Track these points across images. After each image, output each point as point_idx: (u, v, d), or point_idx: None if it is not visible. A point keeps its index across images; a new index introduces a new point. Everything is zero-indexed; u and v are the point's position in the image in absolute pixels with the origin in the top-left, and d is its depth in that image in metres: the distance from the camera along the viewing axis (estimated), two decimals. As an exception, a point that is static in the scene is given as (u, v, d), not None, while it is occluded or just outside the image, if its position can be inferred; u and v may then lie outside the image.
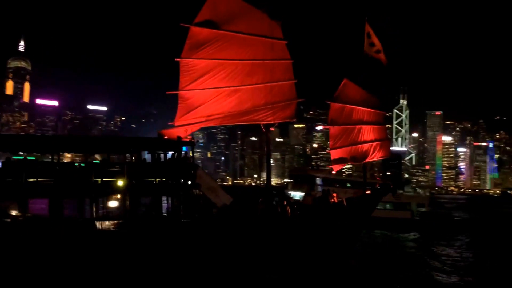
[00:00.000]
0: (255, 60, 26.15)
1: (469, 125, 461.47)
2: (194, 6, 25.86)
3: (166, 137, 25.33)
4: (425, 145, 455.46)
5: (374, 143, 28.68)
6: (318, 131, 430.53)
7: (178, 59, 24.91)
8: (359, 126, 28.32)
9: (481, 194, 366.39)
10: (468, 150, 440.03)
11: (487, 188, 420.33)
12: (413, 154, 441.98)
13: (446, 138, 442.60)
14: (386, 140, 29.44)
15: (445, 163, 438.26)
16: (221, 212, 24.30)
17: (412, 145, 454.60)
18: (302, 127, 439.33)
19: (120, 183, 22.03)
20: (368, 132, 28.62)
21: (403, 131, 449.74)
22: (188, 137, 25.35)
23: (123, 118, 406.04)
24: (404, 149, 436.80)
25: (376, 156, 28.99)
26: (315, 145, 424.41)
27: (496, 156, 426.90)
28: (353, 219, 25.32)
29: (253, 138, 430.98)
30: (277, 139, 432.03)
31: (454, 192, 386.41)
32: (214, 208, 24.75)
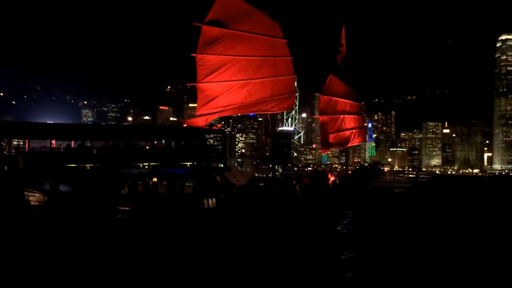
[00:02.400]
0: (260, 56, 30.01)
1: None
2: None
3: (190, 125, 28.95)
4: (313, 125, 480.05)
5: (354, 130, 34.43)
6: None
7: (193, 54, 28.15)
8: (343, 116, 34.02)
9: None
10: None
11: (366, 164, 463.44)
12: (301, 133, 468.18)
13: None
14: (363, 127, 35.54)
15: None
16: (240, 191, 28.16)
17: (301, 125, 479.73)
18: (196, 106, 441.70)
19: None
20: (349, 121, 34.24)
21: (293, 112, 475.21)
22: (218, 125, 28.87)
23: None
24: (292, 128, 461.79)
25: (356, 141, 34.95)
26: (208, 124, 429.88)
27: (374, 135, 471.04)
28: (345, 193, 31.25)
29: (146, 117, 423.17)
30: (171, 118, 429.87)
31: (338, 170, 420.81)
32: (233, 188, 28.45)
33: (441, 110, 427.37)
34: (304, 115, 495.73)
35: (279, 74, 30.83)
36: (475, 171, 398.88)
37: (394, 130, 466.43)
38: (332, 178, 30.72)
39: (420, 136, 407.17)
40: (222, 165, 28.00)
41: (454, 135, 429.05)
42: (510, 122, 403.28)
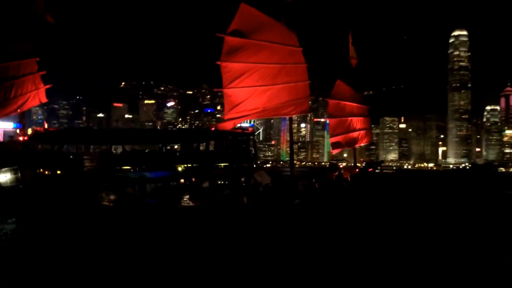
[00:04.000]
0: (278, 64, 32.89)
1: (310, 102, 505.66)
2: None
3: (220, 129, 32.19)
4: (272, 121, 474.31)
5: (362, 131, 37.90)
6: (169, 108, 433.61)
7: (218, 62, 30.95)
8: (351, 118, 37.50)
9: (319, 166, 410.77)
10: (308, 126, 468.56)
11: (325, 160, 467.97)
12: (260, 130, 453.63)
13: None
14: (369, 128, 39.28)
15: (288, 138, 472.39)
16: (266, 190, 30.98)
17: (260, 121, 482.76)
18: (152, 103, 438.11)
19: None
20: (357, 123, 37.64)
21: None
22: (250, 128, 31.88)
23: None
24: (252, 125, 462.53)
25: (363, 141, 38.53)
26: (165, 121, 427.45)
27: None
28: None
29: (100, 115, 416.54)
30: (126, 116, 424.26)
31: (297, 166, 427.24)
32: (260, 187, 31.35)
33: (397, 105, 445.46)
34: None
35: (296, 80, 33.69)
36: (430, 165, 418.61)
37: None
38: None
39: (378, 131, 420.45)
40: (254, 165, 30.91)
41: (410, 129, 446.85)
42: (463, 116, 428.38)
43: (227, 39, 30.95)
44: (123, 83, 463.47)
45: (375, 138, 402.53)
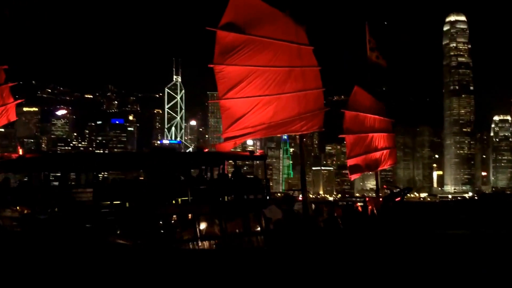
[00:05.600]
0: (285, 67, 35.69)
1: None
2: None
3: (218, 151, 35.18)
4: (207, 136, 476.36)
5: (385, 151, 41.62)
6: (60, 117, 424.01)
7: (211, 65, 33.16)
8: (372, 134, 41.16)
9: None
10: (258, 143, 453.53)
11: (280, 190, 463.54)
12: (190, 148, 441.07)
13: None
14: (394, 148, 43.24)
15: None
16: (278, 226, 33.20)
17: (190, 137, 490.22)
18: (35, 111, 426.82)
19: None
20: (379, 140, 41.20)
21: (178, 118, 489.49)
22: (259, 151, 34.85)
23: None
24: (177, 141, 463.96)
25: (387, 164, 42.25)
26: (53, 137, 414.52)
27: (291, 150, 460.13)
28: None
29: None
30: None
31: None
32: (270, 223, 33.54)
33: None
34: (193, 122, 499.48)
35: (308, 88, 36.60)
36: (423, 195, 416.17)
37: (317, 142, 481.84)
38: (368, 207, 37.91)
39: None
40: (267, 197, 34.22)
41: None
42: (464, 130, 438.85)
43: (220, 34, 33.22)
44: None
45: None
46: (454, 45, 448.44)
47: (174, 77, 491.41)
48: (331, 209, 36.81)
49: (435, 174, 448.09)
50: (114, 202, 30.08)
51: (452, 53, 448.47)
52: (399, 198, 40.26)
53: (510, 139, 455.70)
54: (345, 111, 40.87)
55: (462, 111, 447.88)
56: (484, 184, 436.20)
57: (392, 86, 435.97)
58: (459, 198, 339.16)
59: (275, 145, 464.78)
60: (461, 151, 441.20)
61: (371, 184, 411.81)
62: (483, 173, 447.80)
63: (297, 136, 39.24)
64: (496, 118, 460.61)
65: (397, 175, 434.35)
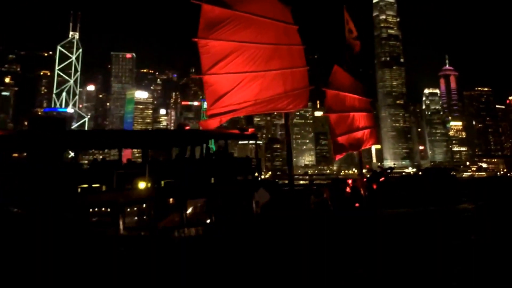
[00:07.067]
0: (271, 44, 35.66)
1: (175, 75, 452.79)
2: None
3: (203, 129, 33.88)
4: (108, 104, 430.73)
5: (366, 131, 41.71)
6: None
7: (195, 39, 32.45)
8: (353, 113, 41.13)
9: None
10: (173, 112, 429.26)
11: None
12: (86, 119, 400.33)
13: (141, 94, 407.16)
14: (375, 127, 43.43)
15: (140, 127, 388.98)
16: (265, 210, 32.39)
17: (86, 104, 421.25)
18: None
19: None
20: (359, 120, 41.24)
21: (72, 81, 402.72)
22: (250, 130, 34.49)
23: None
24: (71, 110, 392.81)
25: (369, 143, 42.51)
26: None
27: None
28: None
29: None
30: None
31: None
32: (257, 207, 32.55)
33: (311, 84, 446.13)
34: (91, 87, 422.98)
35: (292, 65, 36.86)
36: (363, 171, 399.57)
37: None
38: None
39: (282, 121, 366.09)
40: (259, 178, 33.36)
41: None
42: (398, 102, 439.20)
43: (205, 8, 32.71)
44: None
45: (280, 133, 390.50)
46: (384, 17, 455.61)
47: (71, 33, 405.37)
48: (318, 191, 36.77)
49: (373, 148, 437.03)
50: None
51: (382, 25, 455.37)
52: (382, 178, 40.62)
53: (441, 113, 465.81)
54: (326, 89, 40.71)
55: (394, 83, 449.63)
56: (422, 159, 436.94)
57: (323, 54, 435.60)
58: (403, 174, 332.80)
59: (193, 115, 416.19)
60: (397, 124, 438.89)
61: (307, 159, 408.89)
62: (421, 147, 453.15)
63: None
64: (426, 91, 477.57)
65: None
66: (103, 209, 28.50)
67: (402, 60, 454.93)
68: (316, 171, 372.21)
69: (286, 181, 42.96)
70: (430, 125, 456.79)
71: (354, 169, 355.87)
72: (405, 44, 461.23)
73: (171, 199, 30.39)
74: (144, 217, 29.53)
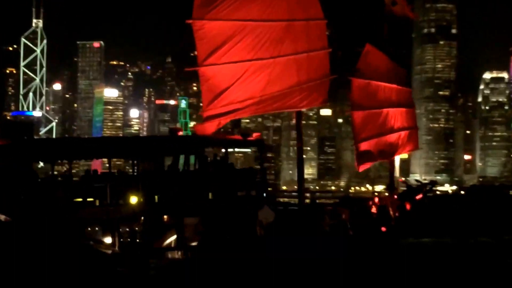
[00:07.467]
0: (281, 20, 29.38)
1: (149, 67, 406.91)
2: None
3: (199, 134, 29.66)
4: (75, 105, 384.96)
5: (403, 132, 34.63)
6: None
7: (189, 21, 27.23)
8: (387, 109, 33.76)
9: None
10: (146, 114, 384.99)
11: None
12: (54, 123, 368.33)
13: (111, 93, 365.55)
14: (415, 128, 35.79)
15: (109, 132, 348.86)
16: (270, 231, 28.20)
17: (54, 106, 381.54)
18: None
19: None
20: (396, 118, 34.20)
21: (38, 80, 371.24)
22: (254, 135, 30.04)
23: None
24: (38, 113, 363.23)
25: (405, 149, 35.38)
26: None
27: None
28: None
29: None
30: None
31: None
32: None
33: (333, 73, 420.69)
34: (57, 86, 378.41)
35: (311, 48, 30.24)
36: (378, 188, 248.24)
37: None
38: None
39: (277, 123, 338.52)
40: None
41: (340, 120, 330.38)
42: (441, 92, 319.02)
43: None
44: None
45: (273, 137, 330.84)
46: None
47: (34, 20, 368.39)
48: (334, 211, 31.67)
49: (397, 158, 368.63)
50: None
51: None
52: (420, 196, 33.12)
53: (506, 107, 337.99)
54: (352, 78, 33.33)
55: (439, 65, 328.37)
56: (467, 172, 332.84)
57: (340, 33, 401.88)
58: (437, 192, 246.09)
59: (169, 117, 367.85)
60: (436, 124, 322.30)
61: (307, 172, 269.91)
62: (466, 157, 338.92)
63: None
64: (487, 75, 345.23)
65: (343, 159, 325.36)
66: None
67: (454, 31, 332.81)
68: (317, 187, 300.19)
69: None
70: (485, 125, 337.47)
71: (368, 186, 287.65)
72: (460, 9, 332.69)
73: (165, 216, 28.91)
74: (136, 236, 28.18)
